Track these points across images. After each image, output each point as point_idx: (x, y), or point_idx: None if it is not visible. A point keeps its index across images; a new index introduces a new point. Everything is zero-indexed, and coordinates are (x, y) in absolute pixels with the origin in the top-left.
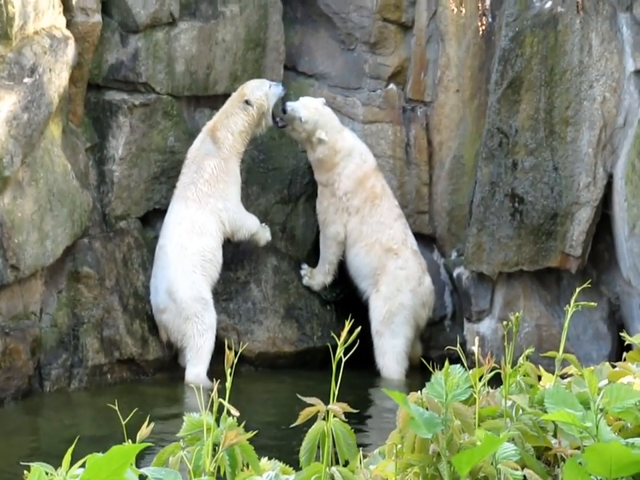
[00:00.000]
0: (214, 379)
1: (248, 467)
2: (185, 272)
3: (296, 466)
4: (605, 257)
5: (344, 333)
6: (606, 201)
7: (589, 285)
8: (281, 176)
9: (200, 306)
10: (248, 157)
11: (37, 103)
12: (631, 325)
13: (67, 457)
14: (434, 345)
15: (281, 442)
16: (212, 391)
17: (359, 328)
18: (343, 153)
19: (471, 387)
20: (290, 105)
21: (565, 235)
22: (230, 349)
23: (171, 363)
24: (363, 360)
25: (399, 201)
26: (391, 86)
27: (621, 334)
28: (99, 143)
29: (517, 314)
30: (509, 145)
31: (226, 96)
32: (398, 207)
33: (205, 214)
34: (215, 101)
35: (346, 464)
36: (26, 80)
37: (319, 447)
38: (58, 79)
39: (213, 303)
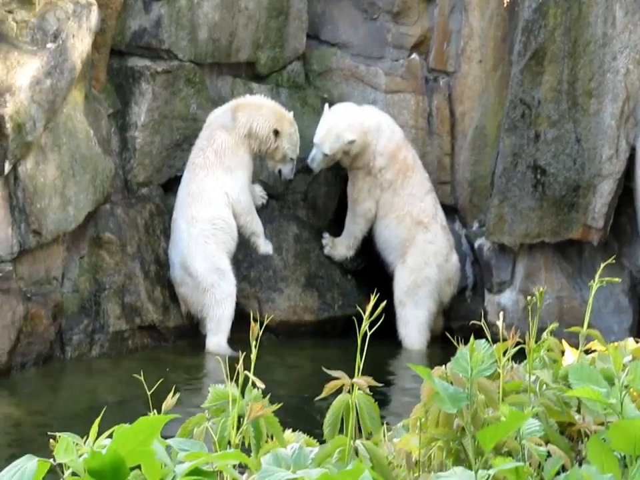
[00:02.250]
0: (237, 347)
1: (272, 439)
2: (197, 243)
3: (318, 437)
4: (627, 229)
5: (369, 306)
6: (628, 174)
7: (613, 261)
8: (303, 144)
9: (216, 276)
10: None
11: (59, 69)
12: None
13: (94, 428)
14: (455, 316)
15: (302, 412)
16: (233, 357)
17: (384, 302)
18: (372, 130)
19: (495, 361)
20: (314, 157)
21: (587, 207)
22: (255, 320)
23: (192, 330)
24: (384, 330)
25: None
26: (414, 56)
27: None
28: (122, 110)
29: (541, 288)
30: (531, 116)
31: (248, 64)
32: (428, 180)
33: (211, 182)
34: (238, 69)
35: (369, 437)
36: (49, 45)
37: (342, 420)
38: (81, 45)
39: (231, 271)
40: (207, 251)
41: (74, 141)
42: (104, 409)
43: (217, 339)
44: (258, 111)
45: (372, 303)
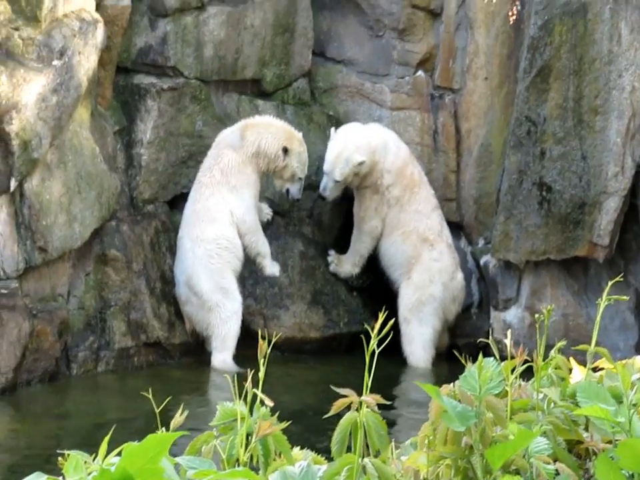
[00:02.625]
0: (243, 364)
1: (280, 456)
2: (201, 263)
3: (324, 454)
4: (633, 246)
5: (378, 324)
6: (634, 191)
7: (621, 279)
8: (309, 161)
9: (220, 295)
10: None
11: (65, 86)
12: None
13: (104, 445)
14: (460, 333)
15: (310, 429)
16: (240, 374)
17: (393, 320)
18: (379, 148)
19: (504, 379)
20: (325, 186)
21: (593, 224)
22: (263, 338)
23: (197, 347)
24: (389, 348)
25: None
26: (419, 73)
27: None
28: (127, 127)
29: (549, 306)
30: (537, 133)
31: (254, 81)
32: (434, 197)
33: (216, 201)
34: (243, 86)
35: (377, 454)
36: (55, 62)
37: (350, 437)
38: (87, 62)
39: (236, 289)
40: (212, 270)
41: (80, 158)
42: (113, 427)
43: (222, 356)
44: (267, 129)
45: (380, 320)
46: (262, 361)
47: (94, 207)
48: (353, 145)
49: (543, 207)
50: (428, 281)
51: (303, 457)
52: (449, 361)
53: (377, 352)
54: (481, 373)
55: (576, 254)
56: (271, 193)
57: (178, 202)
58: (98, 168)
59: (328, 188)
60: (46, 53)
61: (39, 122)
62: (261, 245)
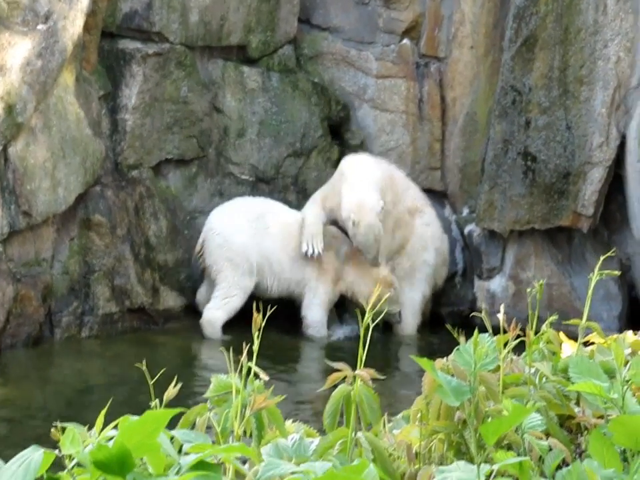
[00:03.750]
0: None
1: (272, 429)
2: None
3: (314, 426)
4: (617, 217)
5: (373, 298)
6: (619, 161)
7: (613, 254)
8: (294, 129)
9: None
10: (261, 109)
11: (50, 50)
12: None
13: (100, 419)
14: (444, 302)
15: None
16: (222, 341)
17: (389, 294)
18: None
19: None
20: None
21: (577, 194)
22: (258, 311)
23: (181, 313)
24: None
25: (412, 157)
26: (405, 41)
27: None
28: (112, 92)
29: (541, 281)
30: (522, 103)
31: (240, 47)
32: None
33: None
34: (229, 52)
35: (368, 428)
36: (40, 26)
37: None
38: (72, 27)
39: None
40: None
41: (64, 122)
42: (109, 401)
43: (218, 313)
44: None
45: (375, 293)
46: (256, 334)
47: (78, 171)
48: (371, 212)
49: (527, 177)
50: (421, 248)
51: (295, 430)
52: (431, 329)
53: (371, 326)
54: (477, 349)
55: (560, 224)
56: (255, 160)
57: (162, 168)
58: (82, 133)
59: (378, 258)
60: (31, 16)
61: (24, 86)
62: None
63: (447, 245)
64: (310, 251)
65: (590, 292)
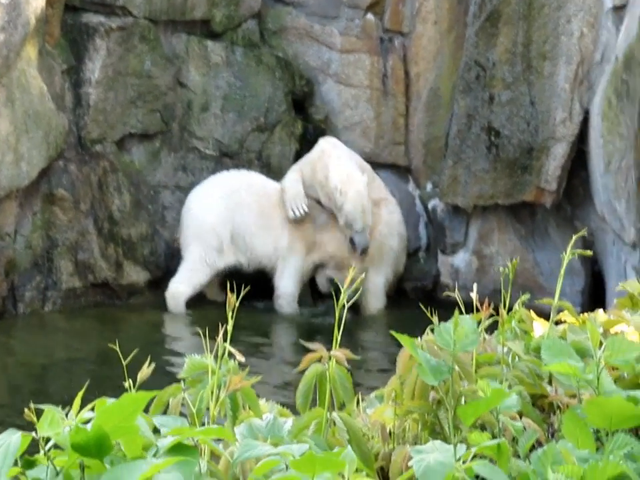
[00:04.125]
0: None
1: (246, 410)
2: None
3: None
4: (580, 192)
5: (348, 279)
6: (582, 137)
7: (584, 233)
8: (258, 103)
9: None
10: (225, 83)
11: (13, 23)
12: (604, 261)
13: (77, 401)
14: (408, 277)
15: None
16: (185, 316)
17: (364, 274)
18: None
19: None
20: (365, 240)
21: (541, 169)
22: (232, 291)
23: (145, 288)
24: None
25: (375, 132)
26: (369, 16)
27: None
28: (75, 66)
29: (515, 260)
30: (486, 78)
31: (203, 22)
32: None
33: None
34: (192, 26)
35: (341, 407)
36: (3, 0)
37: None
38: (35, 0)
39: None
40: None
41: (27, 96)
42: (86, 383)
43: (182, 287)
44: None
45: (351, 274)
46: (230, 314)
47: (41, 146)
48: (358, 182)
49: (491, 152)
50: (389, 234)
51: (268, 410)
52: (397, 305)
53: (347, 306)
54: (456, 329)
55: (523, 199)
56: (220, 134)
57: (126, 142)
58: (45, 107)
59: (369, 240)
60: None
61: None
62: None
63: (406, 233)
64: (296, 214)
65: (562, 271)
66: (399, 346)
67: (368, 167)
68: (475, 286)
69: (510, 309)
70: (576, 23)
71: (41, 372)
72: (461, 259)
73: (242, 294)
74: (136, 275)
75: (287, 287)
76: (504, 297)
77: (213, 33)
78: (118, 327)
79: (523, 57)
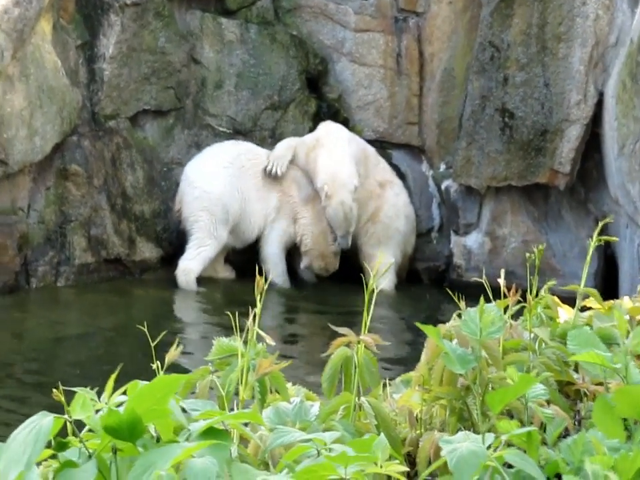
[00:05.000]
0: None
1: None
2: None
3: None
4: (594, 175)
5: (377, 264)
6: (596, 119)
7: (612, 220)
8: (272, 81)
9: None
10: (239, 61)
11: None
12: (617, 244)
13: (110, 383)
14: (420, 257)
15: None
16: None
17: (393, 260)
18: (347, 158)
19: (504, 324)
20: (347, 239)
21: (555, 151)
22: (260, 274)
23: (157, 264)
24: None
25: (389, 112)
26: None
27: None
28: (90, 41)
29: (540, 246)
30: (500, 59)
31: None
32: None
33: None
34: (207, 3)
35: (366, 391)
36: None
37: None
38: None
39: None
40: None
41: (42, 71)
42: (118, 368)
43: (191, 264)
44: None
45: (380, 260)
46: (259, 297)
47: (55, 121)
48: (346, 183)
49: (505, 133)
50: (394, 216)
51: (295, 393)
52: (409, 284)
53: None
54: (482, 317)
55: (537, 181)
56: (233, 112)
57: (140, 118)
58: (60, 82)
59: (350, 240)
60: None
61: (1, 34)
62: None
63: (414, 215)
64: (273, 171)
65: (588, 258)
66: (409, 326)
67: (372, 150)
68: (502, 271)
69: (524, 292)
70: (591, 5)
71: (53, 346)
72: (474, 239)
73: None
74: (148, 251)
75: (270, 250)
76: (531, 283)
77: (227, 10)
78: (130, 303)
79: (537, 39)
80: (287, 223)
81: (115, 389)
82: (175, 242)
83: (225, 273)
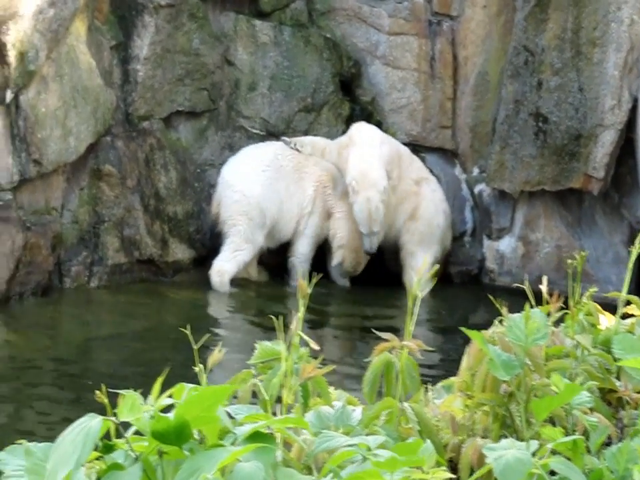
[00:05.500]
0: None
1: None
2: None
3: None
4: (628, 180)
5: (422, 268)
6: (630, 125)
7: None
8: (305, 83)
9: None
10: (272, 63)
11: None
12: None
13: (157, 386)
14: (453, 261)
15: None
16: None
17: (438, 265)
18: (384, 170)
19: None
20: (372, 243)
21: (588, 156)
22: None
23: (190, 265)
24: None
25: (422, 115)
26: None
27: None
28: (124, 42)
29: (583, 253)
30: (534, 63)
31: (252, 0)
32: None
33: None
34: (241, 5)
35: (408, 397)
36: None
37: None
38: None
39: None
40: None
41: (76, 71)
42: (165, 371)
43: (227, 266)
44: None
45: (424, 264)
46: (301, 302)
47: (89, 121)
48: (375, 182)
49: (538, 138)
50: (435, 212)
51: (337, 398)
52: (441, 286)
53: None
54: (528, 323)
55: (571, 186)
56: (266, 114)
57: (173, 120)
58: (94, 82)
59: (375, 242)
60: None
61: (36, 34)
62: None
63: (449, 210)
64: (290, 143)
65: (630, 265)
66: (442, 329)
67: (405, 150)
68: (544, 278)
69: (558, 297)
70: (626, 10)
71: (86, 347)
72: (507, 244)
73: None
74: (181, 252)
75: (301, 247)
76: (574, 289)
77: (261, 12)
78: (162, 304)
79: (572, 43)
80: (321, 218)
81: (147, 390)
82: (207, 243)
83: (258, 274)
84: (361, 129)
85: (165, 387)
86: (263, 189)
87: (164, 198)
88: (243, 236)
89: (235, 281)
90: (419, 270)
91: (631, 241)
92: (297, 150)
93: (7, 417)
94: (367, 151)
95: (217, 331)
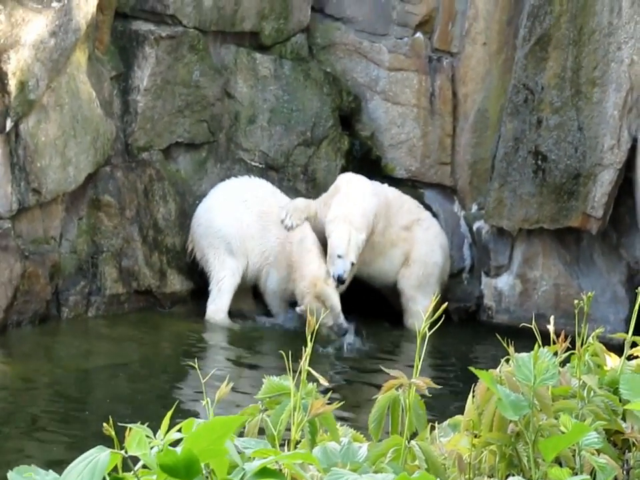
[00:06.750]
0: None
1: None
2: None
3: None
4: (626, 220)
5: (430, 307)
6: (629, 164)
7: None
8: (305, 117)
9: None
10: (272, 96)
11: (64, 28)
12: None
13: (166, 421)
14: (451, 297)
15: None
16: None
17: (446, 304)
18: (375, 213)
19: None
20: (345, 271)
21: (587, 195)
22: (313, 314)
23: (188, 297)
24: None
25: (422, 151)
26: (418, 34)
27: None
28: (124, 73)
29: (590, 293)
30: (534, 101)
31: (252, 34)
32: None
33: None
34: (242, 38)
35: (413, 435)
36: (54, 4)
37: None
38: (86, 5)
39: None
40: None
41: (76, 101)
42: (174, 405)
43: (214, 306)
44: None
45: (432, 304)
46: (309, 337)
47: (89, 151)
48: (357, 224)
49: (537, 176)
50: (430, 252)
51: (343, 434)
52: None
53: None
54: (536, 363)
55: (569, 224)
56: (266, 147)
57: (173, 151)
58: (94, 112)
59: (347, 271)
60: None
61: (37, 63)
62: None
63: (447, 241)
64: (287, 223)
65: (637, 306)
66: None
67: (393, 196)
68: (552, 319)
69: (557, 336)
70: (626, 50)
71: (84, 377)
72: (505, 281)
73: (323, 315)
74: (179, 283)
75: (273, 285)
76: (581, 331)
77: (261, 45)
78: (160, 335)
79: (572, 82)
80: (283, 272)
81: (143, 422)
82: (205, 275)
83: (253, 308)
84: (348, 179)
85: (159, 419)
86: (223, 218)
87: (162, 229)
88: (215, 266)
89: (233, 314)
90: (426, 308)
91: (629, 281)
92: (292, 225)
93: (3, 439)
94: (353, 195)
95: (212, 359)
